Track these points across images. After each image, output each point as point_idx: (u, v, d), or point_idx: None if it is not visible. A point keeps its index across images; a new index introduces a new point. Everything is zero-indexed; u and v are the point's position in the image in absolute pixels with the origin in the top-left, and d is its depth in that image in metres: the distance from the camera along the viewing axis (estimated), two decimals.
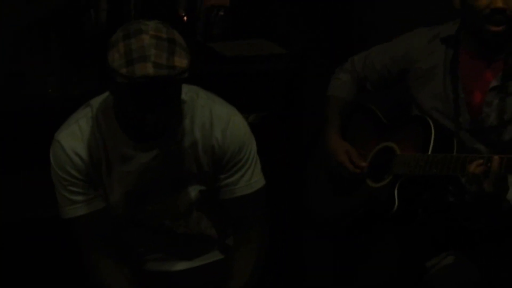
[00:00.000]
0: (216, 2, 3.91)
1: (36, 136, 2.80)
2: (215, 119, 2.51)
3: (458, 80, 2.85)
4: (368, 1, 3.83)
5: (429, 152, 2.79)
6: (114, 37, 2.31)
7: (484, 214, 2.77)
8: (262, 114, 3.53)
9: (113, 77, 2.26)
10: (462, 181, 2.81)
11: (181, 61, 2.26)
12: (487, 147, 2.84)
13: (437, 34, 2.92)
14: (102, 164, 2.51)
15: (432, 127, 2.83)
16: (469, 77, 2.85)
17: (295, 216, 3.41)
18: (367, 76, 3.07)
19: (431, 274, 2.86)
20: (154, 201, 2.56)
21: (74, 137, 2.48)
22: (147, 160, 2.49)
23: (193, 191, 2.56)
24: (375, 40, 3.11)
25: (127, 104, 2.32)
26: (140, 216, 2.59)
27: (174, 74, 2.25)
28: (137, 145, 2.47)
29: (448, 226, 2.90)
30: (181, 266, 2.71)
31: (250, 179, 2.56)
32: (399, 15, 3.55)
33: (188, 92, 2.49)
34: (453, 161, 2.70)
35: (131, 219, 2.60)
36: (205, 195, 2.58)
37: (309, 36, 3.85)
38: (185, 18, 3.85)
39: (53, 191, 2.56)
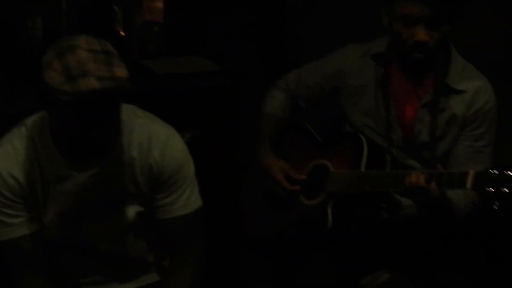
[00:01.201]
0: (150, 18, 3.88)
1: None
2: (153, 138, 2.48)
3: (389, 97, 2.87)
4: (300, 17, 3.84)
5: (362, 169, 2.81)
6: (46, 57, 2.26)
7: (440, 221, 2.79)
8: (196, 133, 3.49)
9: (55, 97, 2.21)
10: (396, 198, 2.84)
11: (122, 71, 2.24)
12: (419, 163, 2.86)
13: (368, 51, 2.93)
14: (37, 185, 2.46)
15: (365, 144, 2.84)
16: (400, 94, 2.87)
17: (231, 236, 3.38)
18: (300, 94, 3.07)
19: None
20: (90, 222, 2.52)
21: (8, 158, 2.43)
22: (83, 180, 2.44)
23: (130, 212, 2.52)
24: (308, 56, 3.11)
25: (71, 123, 2.27)
26: (75, 237, 2.54)
27: (119, 85, 2.22)
28: (73, 165, 2.43)
29: (383, 243, 2.91)
30: None
31: (188, 199, 2.54)
32: (332, 31, 3.58)
33: (125, 110, 2.46)
34: (386, 177, 2.72)
35: (66, 241, 2.55)
36: (142, 217, 2.54)
37: (243, 52, 3.85)
38: (122, 33, 3.82)
39: None
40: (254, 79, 3.76)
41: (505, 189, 2.40)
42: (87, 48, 2.23)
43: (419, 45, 2.71)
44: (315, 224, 2.85)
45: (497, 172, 2.43)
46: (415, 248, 2.88)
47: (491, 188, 2.42)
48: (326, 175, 2.90)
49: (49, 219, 2.50)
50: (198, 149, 3.34)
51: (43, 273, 2.54)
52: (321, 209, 2.85)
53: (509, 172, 2.41)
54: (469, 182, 2.49)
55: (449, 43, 2.86)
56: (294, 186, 2.96)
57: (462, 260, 2.87)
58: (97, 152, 2.38)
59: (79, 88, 2.18)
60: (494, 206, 2.43)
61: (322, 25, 3.70)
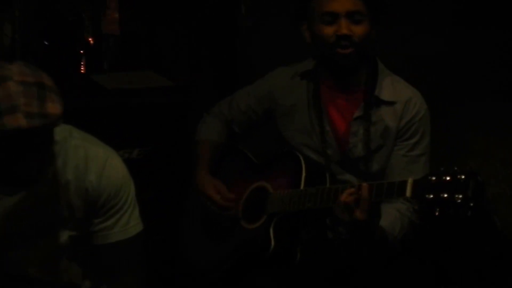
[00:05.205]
0: (107, 30, 3.83)
1: None
2: (90, 160, 2.39)
3: (322, 113, 2.88)
4: (251, 35, 3.92)
5: (301, 187, 2.77)
6: None
7: (361, 244, 2.73)
8: (147, 149, 3.43)
9: None
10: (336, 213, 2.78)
11: (54, 107, 2.14)
12: (357, 177, 2.86)
13: (297, 71, 2.95)
14: None
15: (302, 162, 2.82)
16: (333, 109, 2.89)
17: (176, 263, 3.27)
18: (234, 119, 3.07)
19: None
20: (19, 247, 2.42)
21: None
22: (13, 203, 2.35)
23: (63, 237, 2.43)
24: (259, 73, 3.10)
25: None
26: (3, 263, 2.44)
27: (49, 123, 2.13)
28: (2, 187, 2.33)
29: (329, 265, 2.84)
30: None
31: (127, 224, 2.45)
32: (282, 48, 3.58)
33: (60, 131, 2.36)
34: (325, 193, 2.69)
35: None
36: (76, 242, 2.45)
37: (195, 68, 3.80)
38: (91, 41, 3.79)
39: None
40: (205, 95, 3.73)
41: (444, 194, 2.39)
42: (19, 80, 2.13)
43: (342, 39, 2.75)
44: (257, 247, 2.79)
45: (434, 178, 2.42)
46: (364, 269, 2.80)
47: (430, 195, 2.41)
48: (265, 197, 2.86)
49: None
50: (149, 166, 3.32)
51: None
52: (263, 232, 2.79)
53: (447, 177, 2.39)
54: (408, 190, 2.49)
55: (376, 58, 2.90)
56: (227, 202, 2.92)
57: (412, 281, 2.82)
58: (27, 181, 2.29)
59: (4, 125, 2.09)
60: (435, 213, 2.41)
61: (272, 42, 3.74)
